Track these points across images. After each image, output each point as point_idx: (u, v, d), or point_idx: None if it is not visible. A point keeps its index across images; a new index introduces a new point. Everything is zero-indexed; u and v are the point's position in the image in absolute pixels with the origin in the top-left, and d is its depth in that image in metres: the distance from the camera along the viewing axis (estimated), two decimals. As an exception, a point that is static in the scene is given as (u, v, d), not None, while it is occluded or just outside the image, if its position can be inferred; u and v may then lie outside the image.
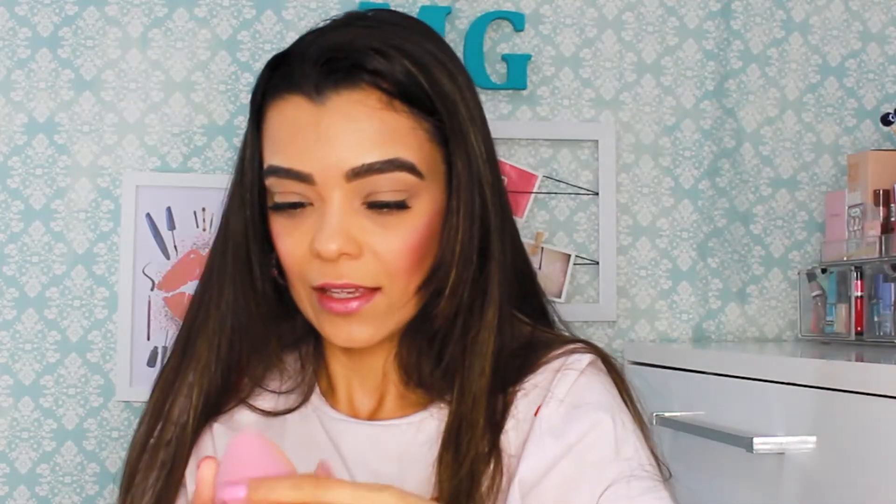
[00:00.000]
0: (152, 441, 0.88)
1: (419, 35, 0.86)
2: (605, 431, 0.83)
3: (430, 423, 0.87)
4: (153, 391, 0.91)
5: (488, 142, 0.88)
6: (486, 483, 0.82)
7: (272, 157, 0.83)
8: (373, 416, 0.90)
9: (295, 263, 0.83)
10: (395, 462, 0.86)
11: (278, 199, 0.83)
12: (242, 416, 0.90)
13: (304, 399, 0.91)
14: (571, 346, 0.89)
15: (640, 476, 0.82)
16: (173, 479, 0.87)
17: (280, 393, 0.91)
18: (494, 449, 0.83)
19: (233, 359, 0.89)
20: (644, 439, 0.85)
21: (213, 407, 0.89)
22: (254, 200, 0.86)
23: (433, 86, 0.83)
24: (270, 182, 0.83)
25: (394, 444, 0.87)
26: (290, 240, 0.83)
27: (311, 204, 0.82)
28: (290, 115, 0.83)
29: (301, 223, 0.82)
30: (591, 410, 0.84)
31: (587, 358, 0.88)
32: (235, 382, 0.91)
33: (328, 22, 0.89)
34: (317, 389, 0.92)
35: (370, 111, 0.81)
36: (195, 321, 0.89)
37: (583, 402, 0.85)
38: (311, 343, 0.93)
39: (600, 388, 0.87)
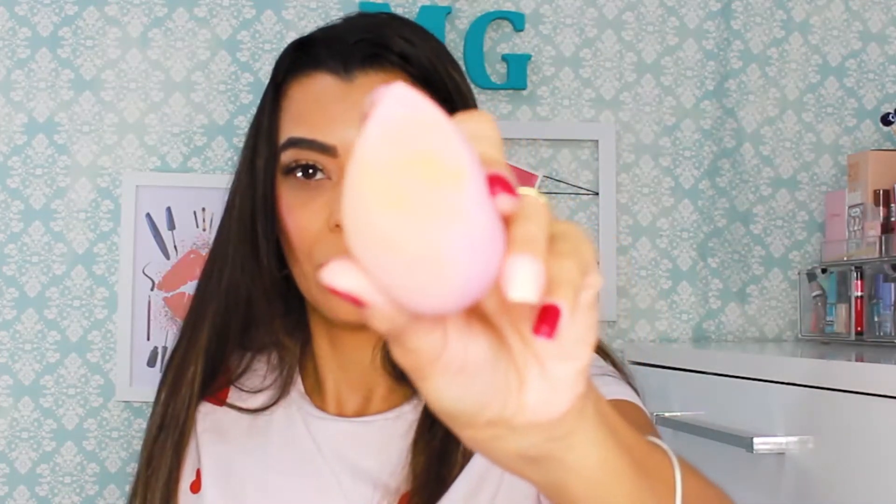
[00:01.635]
0: (164, 426, 0.91)
1: (431, 36, 0.90)
2: None
3: (410, 416, 0.88)
4: (165, 375, 0.93)
5: None
6: (457, 463, 0.83)
7: (294, 130, 0.84)
8: (361, 413, 0.91)
9: (305, 239, 0.83)
10: (375, 456, 0.87)
11: (295, 166, 0.84)
12: (225, 415, 0.92)
13: (279, 397, 0.91)
14: None
15: (613, 376, 0.84)
16: (177, 459, 0.89)
17: (257, 392, 0.93)
18: None
19: (232, 335, 0.90)
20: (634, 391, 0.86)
21: (208, 386, 0.92)
22: (266, 178, 0.86)
23: (449, 78, 0.86)
24: (289, 154, 0.84)
25: (374, 439, 0.88)
26: (303, 213, 0.83)
27: (329, 178, 0.83)
28: (315, 90, 0.84)
29: (317, 196, 0.83)
30: None
31: None
32: (230, 362, 0.93)
33: (341, 20, 0.91)
34: (301, 388, 0.93)
35: None
36: (200, 304, 0.91)
37: None
38: (293, 344, 0.94)
39: None
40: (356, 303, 0.38)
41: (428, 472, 0.83)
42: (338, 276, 0.37)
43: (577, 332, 0.40)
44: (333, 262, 0.38)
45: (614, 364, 0.91)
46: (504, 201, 0.37)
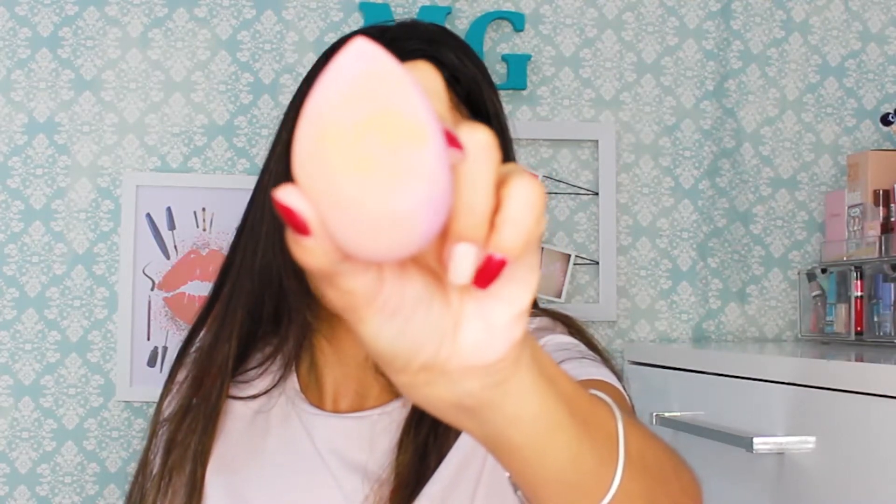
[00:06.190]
0: (193, 405, 0.92)
1: (477, 57, 0.91)
2: (563, 337, 0.88)
3: (397, 413, 0.90)
4: (182, 358, 0.94)
5: None
6: (440, 458, 0.85)
7: None
8: (355, 409, 0.92)
9: None
10: (365, 450, 0.89)
11: None
12: (225, 414, 0.93)
13: (272, 387, 0.93)
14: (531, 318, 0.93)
15: (593, 359, 0.85)
16: (208, 442, 0.90)
17: (254, 381, 0.94)
18: (451, 429, 0.86)
19: (265, 317, 0.92)
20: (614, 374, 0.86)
21: (236, 368, 0.94)
22: None
23: (491, 102, 0.88)
24: None
25: (364, 433, 0.90)
26: None
27: None
28: None
29: None
30: (548, 334, 0.89)
31: (537, 321, 0.92)
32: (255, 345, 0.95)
33: (396, 24, 0.92)
34: (296, 385, 0.94)
35: None
36: (234, 284, 0.92)
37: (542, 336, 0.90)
38: (288, 342, 0.95)
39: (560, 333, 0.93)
40: (298, 226, 0.36)
41: (410, 469, 0.85)
42: (291, 195, 0.36)
43: (517, 275, 0.39)
44: (292, 185, 0.36)
45: (595, 348, 0.92)
46: (455, 156, 0.37)
